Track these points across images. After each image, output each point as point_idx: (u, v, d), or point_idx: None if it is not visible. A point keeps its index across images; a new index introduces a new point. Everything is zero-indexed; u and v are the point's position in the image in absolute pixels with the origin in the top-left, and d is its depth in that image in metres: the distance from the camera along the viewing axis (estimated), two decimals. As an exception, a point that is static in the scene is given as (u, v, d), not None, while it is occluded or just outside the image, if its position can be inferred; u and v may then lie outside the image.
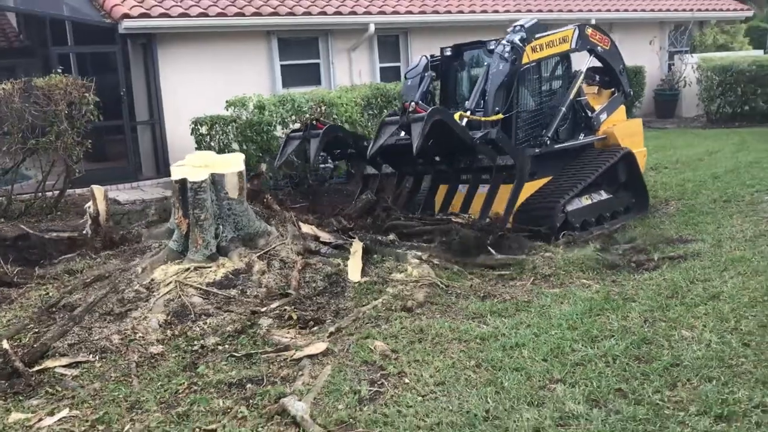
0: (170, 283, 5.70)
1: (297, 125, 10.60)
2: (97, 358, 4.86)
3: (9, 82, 9.15)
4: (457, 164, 8.06)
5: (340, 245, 6.72)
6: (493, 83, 7.92)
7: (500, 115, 7.74)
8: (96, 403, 4.22)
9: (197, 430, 3.79)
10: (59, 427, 3.98)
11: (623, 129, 9.44)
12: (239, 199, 6.15)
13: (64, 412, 4.14)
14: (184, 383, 4.38)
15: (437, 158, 8.23)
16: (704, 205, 8.83)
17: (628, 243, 7.31)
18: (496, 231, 7.02)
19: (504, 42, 8.07)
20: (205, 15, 12.20)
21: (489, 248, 6.68)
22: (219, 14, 12.38)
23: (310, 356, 4.59)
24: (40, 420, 4.07)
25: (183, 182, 5.92)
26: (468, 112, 7.81)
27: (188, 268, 5.86)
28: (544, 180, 8.41)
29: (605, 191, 8.74)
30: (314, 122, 7.98)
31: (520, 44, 7.96)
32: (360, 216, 7.67)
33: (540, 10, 16.88)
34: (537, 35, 8.31)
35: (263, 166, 8.09)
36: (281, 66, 13.71)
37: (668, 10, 19.85)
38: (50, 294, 6.04)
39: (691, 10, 20.19)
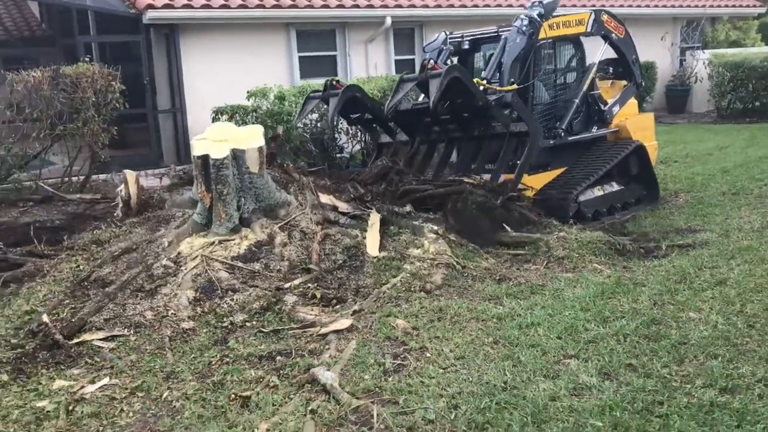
0: (196, 257, 5.93)
1: (315, 115, 10.88)
2: (131, 332, 5.12)
3: (39, 70, 9.42)
4: (471, 131, 8.23)
5: (357, 215, 6.89)
6: (510, 56, 8.10)
7: (515, 86, 7.91)
8: (134, 373, 4.48)
9: (232, 395, 4.05)
10: (101, 393, 4.24)
11: (635, 123, 9.64)
12: (260, 173, 6.32)
13: (105, 380, 4.41)
14: (216, 356, 4.64)
15: (451, 126, 8.41)
16: (713, 197, 9.04)
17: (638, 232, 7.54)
18: (506, 192, 7.20)
19: (522, 16, 8.24)
20: (226, 6, 12.47)
21: (504, 225, 6.88)
22: (240, 6, 12.64)
23: (335, 332, 4.85)
24: (83, 387, 4.33)
25: (205, 158, 6.08)
26: (484, 81, 7.96)
27: (213, 242, 6.07)
28: (558, 171, 8.64)
29: (617, 183, 8.97)
30: (334, 83, 8.21)
31: (538, 19, 8.13)
32: (375, 181, 7.78)
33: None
34: (554, 14, 8.49)
35: (280, 129, 8.18)
36: (299, 57, 13.96)
37: (681, 6, 19.95)
38: (81, 267, 6.29)
39: (704, 6, 20.28)
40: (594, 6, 18.03)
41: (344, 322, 4.95)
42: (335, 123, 10.59)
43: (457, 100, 7.74)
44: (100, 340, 5.07)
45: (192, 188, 6.75)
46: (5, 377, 4.50)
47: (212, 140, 6.28)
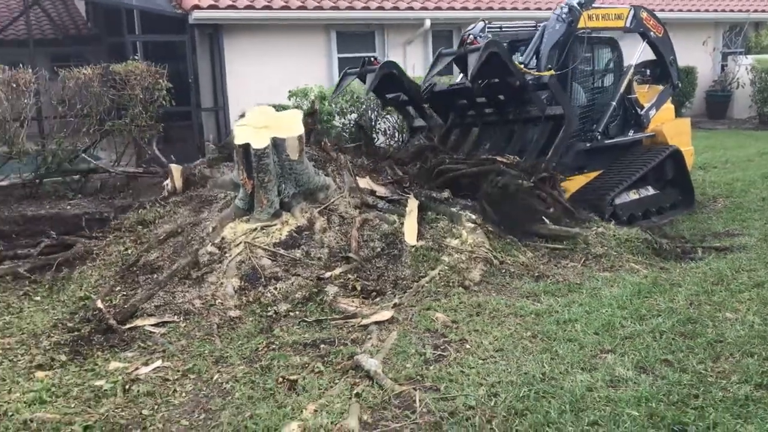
0: (240, 243, 6.11)
1: (354, 115, 11.06)
2: (181, 319, 5.35)
3: (89, 68, 9.75)
4: (505, 115, 8.27)
5: (395, 200, 7.00)
6: (548, 42, 8.20)
7: (551, 71, 7.97)
8: (184, 357, 4.70)
9: (280, 379, 4.23)
10: (155, 375, 4.45)
11: (672, 128, 9.66)
12: (299, 159, 6.40)
13: (158, 363, 4.63)
14: (262, 343, 4.83)
15: (486, 109, 8.44)
16: (752, 203, 9.03)
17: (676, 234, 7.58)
18: (539, 171, 7.24)
19: (563, 4, 8.33)
20: (269, 7, 12.72)
21: (542, 215, 6.97)
22: (282, 7, 12.89)
23: (376, 323, 5.01)
24: (137, 369, 4.55)
25: (246, 147, 6.17)
26: (522, 66, 8.02)
27: (255, 228, 6.24)
28: (594, 174, 8.70)
29: (653, 187, 9.00)
30: (372, 59, 8.34)
31: (578, 8, 8.21)
32: (411, 160, 7.86)
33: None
34: (594, 4, 8.55)
35: (317, 103, 8.24)
36: (339, 58, 14.15)
37: (723, 11, 19.76)
38: (129, 250, 6.54)
39: (747, 10, 20.07)
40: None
41: (385, 314, 5.11)
42: (372, 125, 10.75)
43: (494, 79, 7.77)
44: (152, 325, 5.30)
45: (233, 171, 6.90)
46: (63, 358, 4.74)
47: (253, 127, 6.36)
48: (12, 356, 4.80)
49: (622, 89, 8.95)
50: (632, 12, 8.99)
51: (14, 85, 9.03)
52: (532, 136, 8.14)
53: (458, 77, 8.79)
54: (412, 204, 6.79)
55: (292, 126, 6.41)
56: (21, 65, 9.46)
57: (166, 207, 7.32)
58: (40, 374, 4.52)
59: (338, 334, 4.90)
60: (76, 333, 5.13)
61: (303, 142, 6.43)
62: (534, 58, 8.37)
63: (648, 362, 4.21)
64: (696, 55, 18.44)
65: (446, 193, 7.14)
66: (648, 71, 10.03)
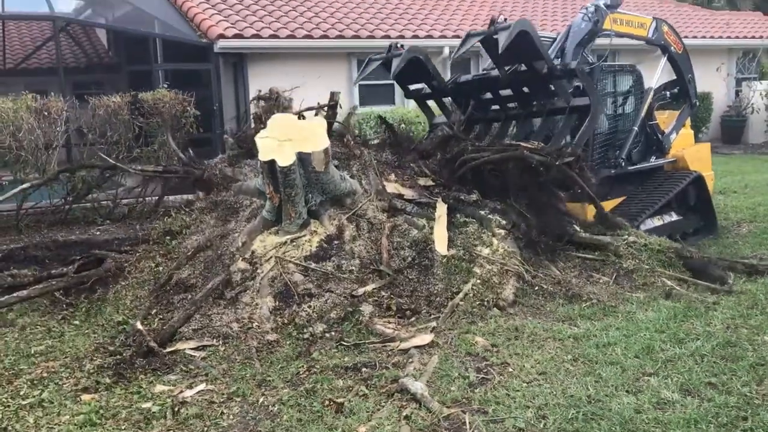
0: (270, 258, 6.11)
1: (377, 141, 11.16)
2: (220, 342, 5.41)
3: (119, 96, 9.95)
4: (529, 107, 8.20)
5: (423, 203, 6.90)
6: (573, 40, 8.25)
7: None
8: (227, 380, 4.75)
9: (327, 401, 4.29)
10: (200, 398, 4.51)
11: (693, 153, 9.71)
12: (326, 170, 6.31)
13: (201, 386, 4.68)
14: (303, 366, 4.88)
15: (510, 104, 8.37)
16: (777, 227, 9.05)
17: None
18: (564, 155, 7.08)
19: (589, 4, 8.41)
20: (292, 37, 12.95)
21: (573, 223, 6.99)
22: (305, 36, 13.12)
23: (416, 347, 5.06)
24: (181, 392, 4.61)
25: (271, 163, 6.07)
26: None
27: (285, 242, 6.19)
28: (617, 200, 8.75)
29: (676, 213, 9.04)
30: (398, 45, 8.31)
31: (604, 8, 8.27)
32: (435, 150, 7.68)
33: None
34: (618, 9, 8.62)
35: (338, 95, 7.93)
36: (359, 85, 14.33)
37: (737, 37, 19.93)
38: (159, 267, 6.59)
39: (761, 37, 20.23)
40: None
41: (425, 338, 5.16)
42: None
43: (521, 66, 7.69)
44: (192, 349, 5.37)
45: (257, 177, 6.84)
46: (108, 380, 4.80)
47: (276, 139, 6.20)
48: (57, 379, 4.87)
49: (643, 114, 9.01)
50: (654, 23, 9.07)
51: (46, 113, 9.21)
52: (556, 129, 8.09)
53: (487, 61, 8.64)
54: (441, 209, 6.70)
55: (316, 137, 6.26)
56: (52, 93, 9.67)
57: (191, 215, 7.31)
58: (86, 397, 4.59)
59: (378, 358, 4.94)
60: (118, 356, 5.18)
61: (329, 154, 6.31)
62: (559, 57, 8.38)
63: (692, 385, 4.24)
64: (711, 81, 18.57)
65: (475, 196, 7.01)
66: (668, 93, 10.06)
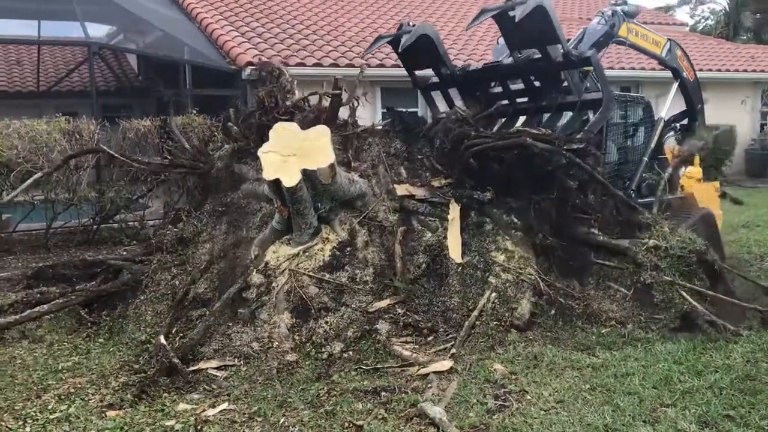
0: (284, 270, 6.08)
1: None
2: (241, 362, 5.51)
3: (149, 119, 10.18)
4: (539, 100, 7.96)
5: (436, 203, 6.72)
6: (587, 41, 8.12)
7: (591, 68, 7.80)
8: (249, 400, 4.83)
9: (347, 423, 4.36)
10: (222, 417, 4.60)
11: (701, 190, 9.56)
12: (333, 182, 6.16)
13: (224, 405, 4.77)
14: (323, 388, 4.95)
15: (519, 98, 8.15)
16: (801, 261, 9.00)
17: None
18: (572, 141, 6.74)
19: (606, 8, 8.36)
20: (319, 65, 13.18)
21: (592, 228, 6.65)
22: (332, 65, 13.34)
23: (435, 372, 5.12)
24: (204, 411, 4.70)
25: (277, 181, 5.94)
26: None
27: (297, 253, 6.15)
28: None
29: None
30: (409, 24, 8.11)
31: (621, 14, 8.19)
32: (441, 135, 7.20)
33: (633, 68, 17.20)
34: (635, 19, 8.53)
35: (342, 82, 7.43)
36: (382, 112, 14.51)
37: (762, 71, 19.92)
38: (175, 280, 6.65)
39: (786, 71, 20.23)
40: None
41: (445, 364, 5.21)
42: None
43: (535, 51, 7.50)
44: (214, 369, 5.47)
45: (266, 186, 6.51)
46: (132, 398, 4.90)
47: (279, 154, 6.02)
48: (83, 395, 4.98)
49: (653, 145, 8.86)
50: (669, 44, 8.96)
51: (78, 135, 9.46)
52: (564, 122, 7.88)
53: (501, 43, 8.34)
54: (454, 211, 6.51)
55: (320, 150, 6.04)
56: (83, 116, 9.93)
57: (202, 220, 7.23)
58: (111, 413, 4.69)
59: (398, 382, 5.00)
60: (142, 374, 5.29)
61: (335, 167, 6.12)
62: None
63: (710, 417, 4.26)
64: (735, 114, 18.56)
65: (489, 194, 6.67)
66: (678, 125, 9.92)
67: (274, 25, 15.73)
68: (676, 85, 9.34)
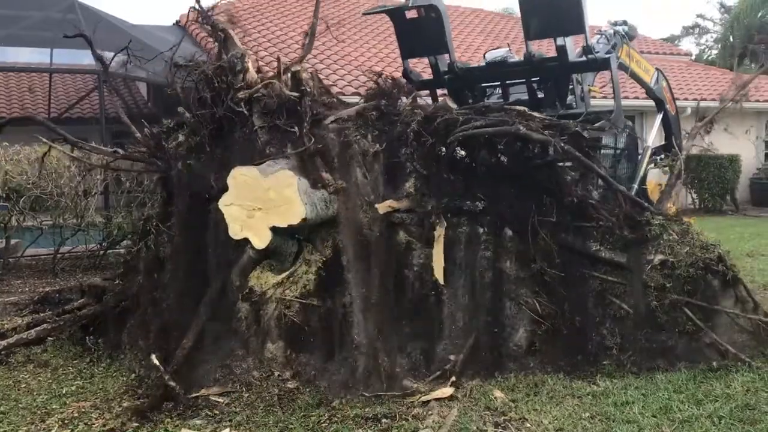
0: (270, 297, 5.83)
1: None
2: (243, 389, 5.55)
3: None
4: (538, 111, 7.11)
5: (421, 213, 6.00)
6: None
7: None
8: (251, 426, 4.87)
9: (346, 450, 4.39)
10: (224, 442, 4.65)
11: None
12: (306, 221, 5.61)
13: (226, 431, 4.82)
14: (324, 415, 4.99)
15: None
16: (805, 292, 8.97)
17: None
18: (572, 127, 5.91)
19: (607, 28, 8.30)
20: (341, 94, 13.35)
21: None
22: (353, 93, 13.46)
23: (436, 399, 5.15)
24: (206, 436, 4.76)
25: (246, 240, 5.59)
26: None
27: (282, 281, 5.84)
28: None
29: None
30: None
31: (623, 34, 8.10)
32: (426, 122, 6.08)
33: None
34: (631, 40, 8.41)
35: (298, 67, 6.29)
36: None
37: (766, 101, 20.02)
38: (158, 306, 6.23)
39: (790, 100, 20.34)
40: (677, 99, 18.37)
41: (446, 391, 5.24)
42: None
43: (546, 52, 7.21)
44: (215, 395, 5.51)
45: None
46: (135, 424, 4.95)
47: (243, 208, 5.52)
48: (86, 419, 5.03)
49: (641, 173, 8.74)
50: (657, 74, 8.91)
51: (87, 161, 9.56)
52: None
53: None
54: (440, 230, 5.90)
55: (289, 202, 5.45)
56: (93, 142, 10.02)
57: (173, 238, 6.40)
58: (114, 438, 4.74)
59: (398, 410, 5.02)
60: (145, 400, 5.34)
61: (307, 220, 5.57)
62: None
63: (709, 447, 4.28)
64: (739, 144, 18.64)
65: (480, 204, 5.99)
66: (658, 158, 9.69)
67: (283, 54, 15.93)
68: (660, 117, 9.25)
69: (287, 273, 5.92)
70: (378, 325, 5.66)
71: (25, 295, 8.68)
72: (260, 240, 5.50)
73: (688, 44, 40.74)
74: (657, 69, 8.98)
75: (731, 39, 34.23)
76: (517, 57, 8.37)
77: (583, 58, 7.20)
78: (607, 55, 7.20)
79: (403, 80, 7.13)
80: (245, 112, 6.04)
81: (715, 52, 38.55)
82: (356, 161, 5.99)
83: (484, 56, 8.62)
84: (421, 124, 6.00)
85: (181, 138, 6.42)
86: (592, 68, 7.33)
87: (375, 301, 5.69)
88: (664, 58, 23.23)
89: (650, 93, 9.05)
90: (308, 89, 6.12)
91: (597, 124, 6.55)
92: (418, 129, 5.98)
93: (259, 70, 6.50)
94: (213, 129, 6.13)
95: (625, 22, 8.41)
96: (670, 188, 8.93)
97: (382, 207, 6.01)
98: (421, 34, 7.47)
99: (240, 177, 5.55)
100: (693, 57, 31.06)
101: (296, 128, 5.95)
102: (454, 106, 6.38)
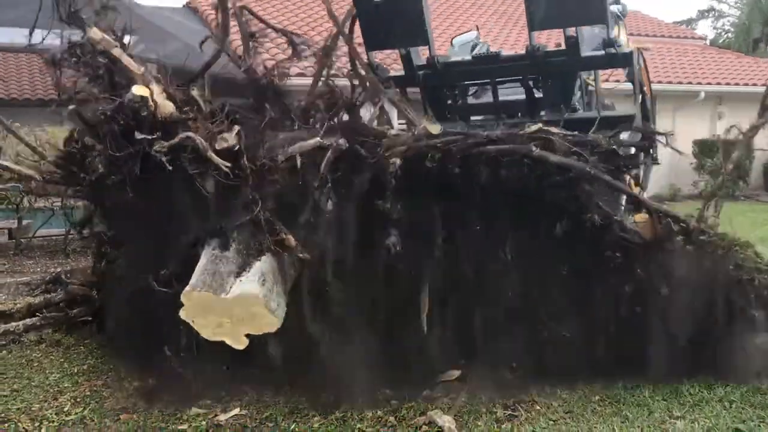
0: None
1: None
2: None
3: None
4: (535, 115, 6.55)
5: None
6: (586, 48, 6.44)
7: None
8: (260, 406, 4.90)
9: (356, 430, 4.41)
10: (234, 422, 4.67)
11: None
12: None
13: (236, 411, 4.84)
14: (334, 396, 5.01)
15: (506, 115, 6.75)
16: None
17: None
18: (600, 146, 4.87)
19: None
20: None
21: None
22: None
23: (444, 381, 5.16)
24: (216, 415, 4.78)
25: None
26: None
27: None
28: None
29: None
30: None
31: (617, 14, 7.08)
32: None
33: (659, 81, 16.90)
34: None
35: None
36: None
37: (780, 85, 19.82)
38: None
39: (806, 85, 20.10)
40: (690, 83, 18.22)
41: (454, 373, 5.24)
42: None
43: (558, 42, 6.33)
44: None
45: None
46: (143, 404, 4.98)
47: (209, 321, 4.42)
48: (98, 398, 5.06)
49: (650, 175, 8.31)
50: (638, 54, 8.16)
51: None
52: None
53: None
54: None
55: (259, 316, 4.36)
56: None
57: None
58: (125, 416, 4.77)
59: (408, 391, 5.03)
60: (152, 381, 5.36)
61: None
62: None
63: (719, 430, 4.26)
64: (753, 128, 18.44)
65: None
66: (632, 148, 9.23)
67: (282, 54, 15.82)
68: (639, 100, 8.73)
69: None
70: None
71: (37, 275, 8.73)
72: (238, 342, 4.52)
73: (704, 28, 40.19)
74: (637, 48, 8.37)
75: (747, 23, 33.87)
76: (485, 42, 7.53)
77: (601, 53, 6.15)
78: (630, 48, 6.19)
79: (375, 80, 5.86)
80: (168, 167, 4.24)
81: (731, 36, 38.14)
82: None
83: (451, 43, 7.61)
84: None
85: (101, 168, 4.91)
86: (611, 65, 6.38)
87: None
88: (677, 42, 23.03)
89: (629, 75, 7.73)
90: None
91: (623, 135, 5.45)
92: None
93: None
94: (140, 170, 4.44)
95: (617, 1, 7.28)
96: (648, 176, 8.21)
97: None
98: (393, 21, 6.04)
99: (196, 298, 4.30)
100: (708, 41, 30.76)
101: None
102: (436, 128, 4.80)
